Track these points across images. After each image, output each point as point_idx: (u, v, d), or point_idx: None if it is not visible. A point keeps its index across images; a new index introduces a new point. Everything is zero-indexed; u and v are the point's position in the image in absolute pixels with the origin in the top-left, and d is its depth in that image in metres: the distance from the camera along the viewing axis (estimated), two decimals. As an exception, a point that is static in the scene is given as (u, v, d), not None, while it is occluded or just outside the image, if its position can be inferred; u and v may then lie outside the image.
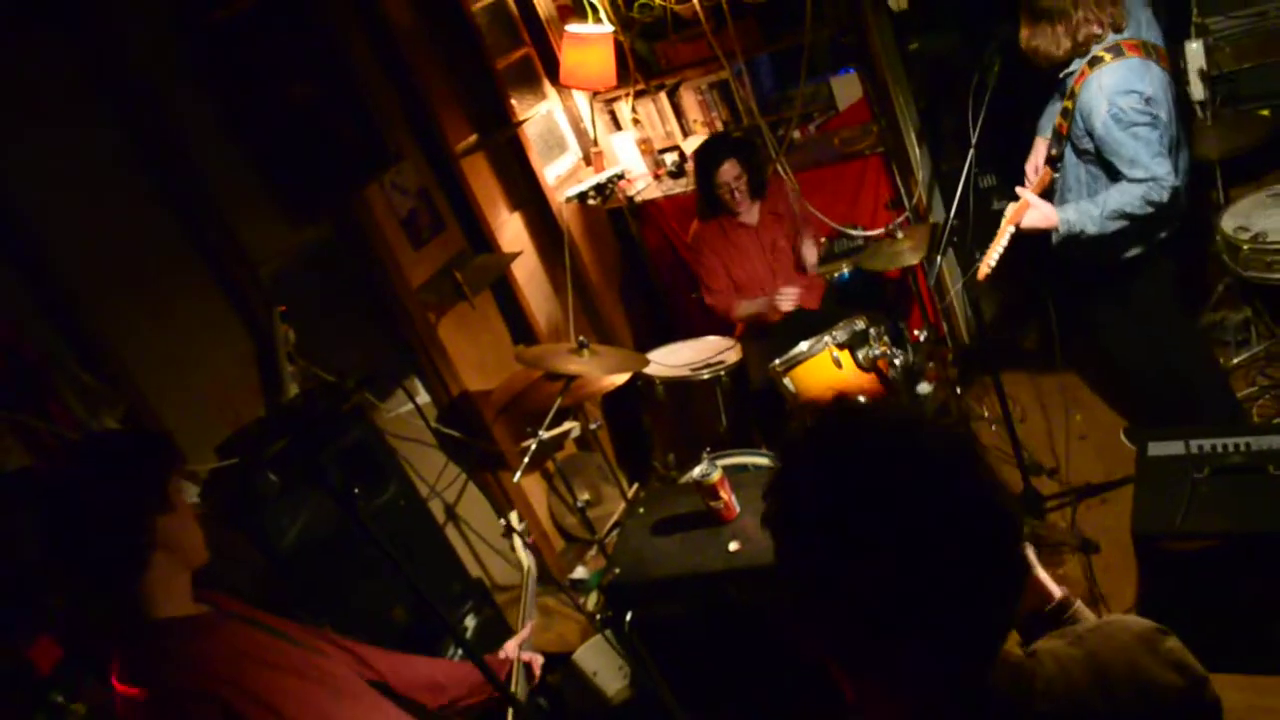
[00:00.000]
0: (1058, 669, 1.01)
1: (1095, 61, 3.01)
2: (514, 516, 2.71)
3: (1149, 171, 2.98)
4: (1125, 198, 3.05)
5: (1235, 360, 3.88)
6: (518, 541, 2.66)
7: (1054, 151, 3.30)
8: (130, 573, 1.67)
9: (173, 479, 1.78)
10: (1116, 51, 2.99)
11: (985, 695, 0.97)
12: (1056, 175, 3.32)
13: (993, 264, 3.21)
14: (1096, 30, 3.00)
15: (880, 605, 0.90)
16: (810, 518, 0.94)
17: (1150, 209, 3.03)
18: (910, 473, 0.91)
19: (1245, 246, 3.45)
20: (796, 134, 4.72)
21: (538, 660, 2.40)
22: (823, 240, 4.54)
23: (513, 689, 2.23)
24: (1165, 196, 3.00)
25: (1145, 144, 2.97)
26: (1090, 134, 3.07)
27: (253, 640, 1.78)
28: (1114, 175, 3.09)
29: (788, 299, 4.13)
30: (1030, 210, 3.19)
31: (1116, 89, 2.96)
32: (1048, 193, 3.32)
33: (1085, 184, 3.23)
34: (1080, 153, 3.19)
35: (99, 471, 1.70)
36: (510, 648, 2.36)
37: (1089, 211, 3.12)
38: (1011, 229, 3.20)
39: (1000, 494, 0.94)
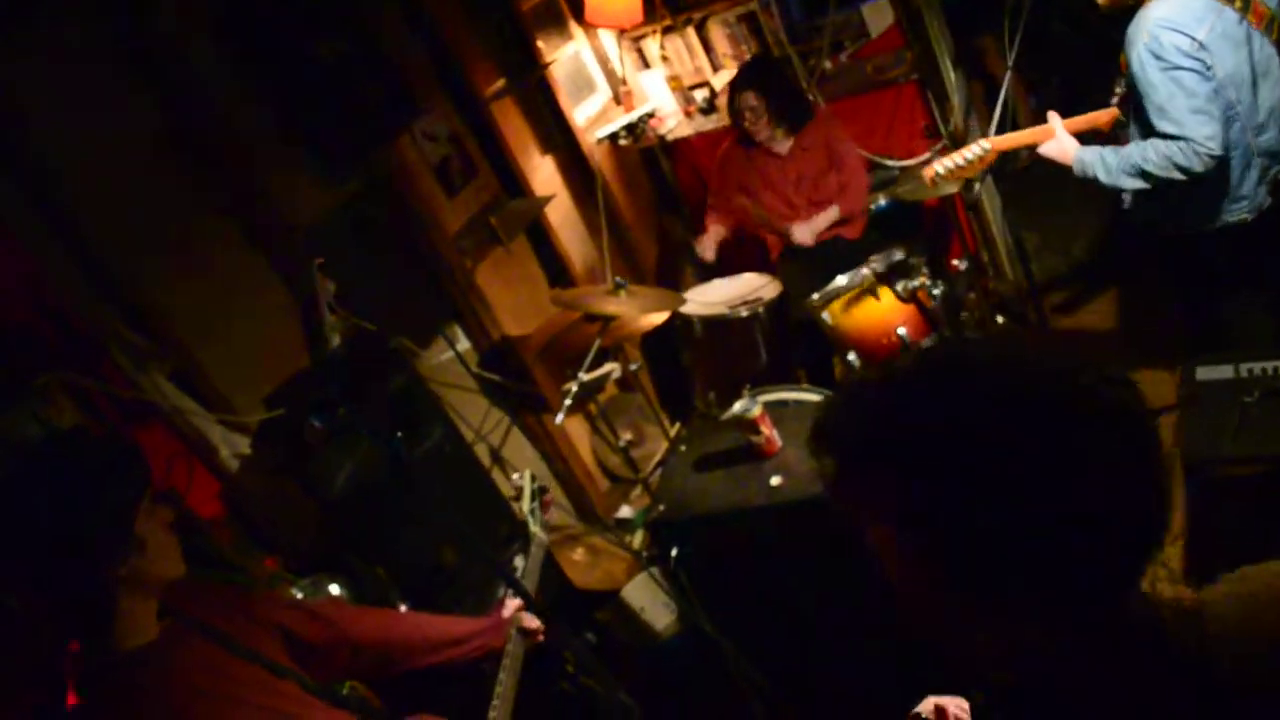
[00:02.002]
0: (1228, 606, 0.96)
1: None
2: (526, 475, 2.61)
3: (1180, 127, 2.62)
4: (1147, 153, 2.71)
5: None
6: (527, 505, 2.56)
7: (1119, 90, 2.94)
8: (91, 615, 1.61)
9: (141, 510, 1.65)
10: None
11: (1145, 639, 0.93)
12: (1124, 122, 2.96)
13: (947, 169, 3.04)
14: None
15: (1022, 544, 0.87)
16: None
17: (1176, 174, 2.67)
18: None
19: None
20: (828, 63, 4.62)
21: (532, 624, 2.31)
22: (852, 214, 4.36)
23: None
24: (1198, 165, 2.63)
25: (1185, 94, 2.60)
26: (1129, 67, 2.73)
27: (204, 667, 1.69)
28: (1150, 128, 2.73)
29: (803, 230, 4.09)
30: (1050, 141, 2.97)
31: (1162, 22, 2.60)
32: (1104, 136, 3.04)
33: (1139, 135, 2.86)
34: (1136, 95, 2.81)
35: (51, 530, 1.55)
36: (511, 605, 2.29)
37: (1106, 158, 2.83)
38: (980, 148, 3.00)
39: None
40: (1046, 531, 0.86)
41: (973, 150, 3.03)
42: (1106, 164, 2.84)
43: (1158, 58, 2.62)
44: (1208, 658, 0.91)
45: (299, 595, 2.72)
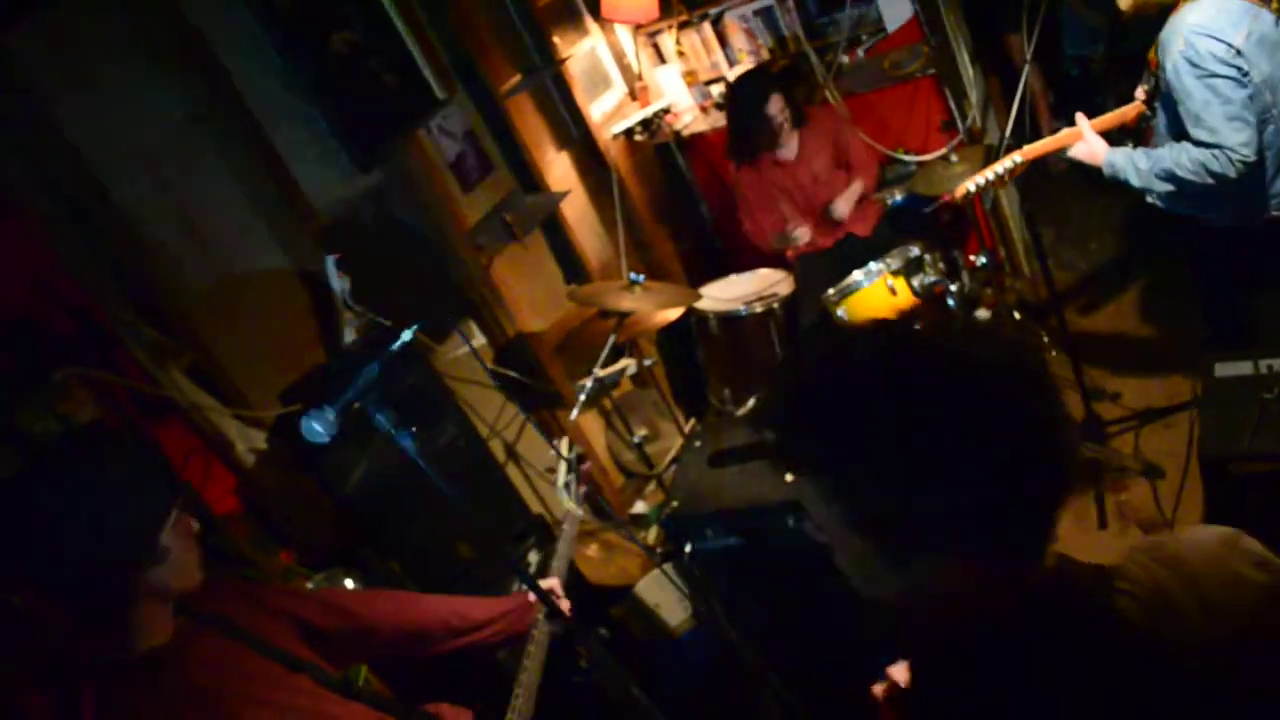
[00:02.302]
0: (1143, 573, 1.02)
1: None
2: (563, 443, 2.54)
3: (1215, 135, 2.58)
4: (1180, 157, 2.68)
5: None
6: (563, 478, 2.49)
7: (1146, 87, 2.91)
8: (108, 619, 1.61)
9: (168, 521, 1.64)
10: None
11: (1065, 593, 1.00)
12: (1149, 115, 2.94)
13: (979, 185, 3.01)
14: None
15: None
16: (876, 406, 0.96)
17: (1209, 180, 2.64)
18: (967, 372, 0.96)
19: None
20: (845, 58, 4.61)
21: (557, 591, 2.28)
22: (874, 195, 4.37)
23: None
24: (1232, 172, 2.60)
25: (1221, 101, 2.55)
26: (1163, 72, 2.68)
27: (219, 666, 1.69)
28: (1181, 130, 2.69)
29: (841, 206, 4.07)
30: (1080, 143, 2.94)
31: (1198, 28, 2.55)
32: (1129, 130, 3.02)
33: (1167, 131, 2.83)
34: (1166, 95, 2.78)
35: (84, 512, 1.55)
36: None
37: (1138, 162, 2.81)
38: (1012, 161, 2.98)
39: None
40: (943, 489, 0.93)
41: (1004, 165, 3.00)
42: (1138, 168, 2.81)
43: (1194, 65, 2.57)
44: (1113, 616, 0.99)
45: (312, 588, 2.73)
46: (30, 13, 2.66)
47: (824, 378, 1.01)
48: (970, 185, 3.04)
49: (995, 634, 1.01)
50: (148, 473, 1.67)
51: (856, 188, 4.12)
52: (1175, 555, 1.04)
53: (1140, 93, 2.96)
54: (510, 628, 2.16)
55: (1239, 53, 2.54)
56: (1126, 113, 2.98)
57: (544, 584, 2.23)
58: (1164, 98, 2.77)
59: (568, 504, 2.47)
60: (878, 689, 1.33)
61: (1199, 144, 2.63)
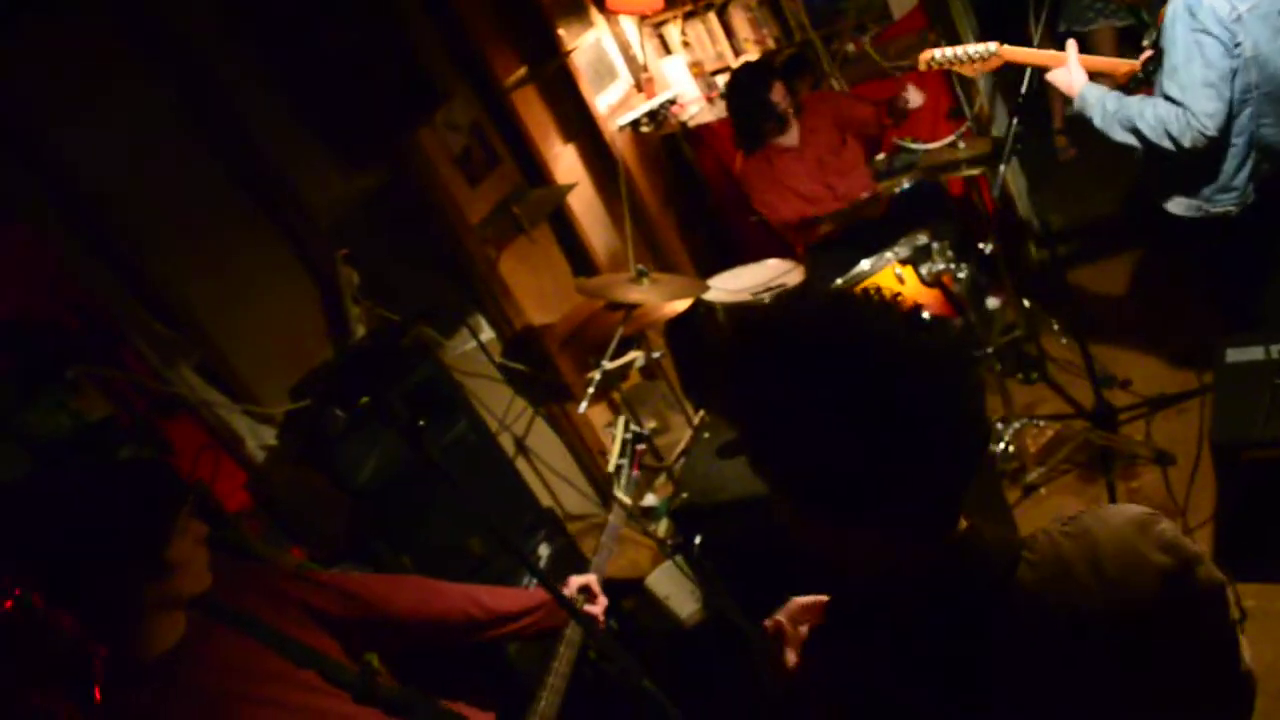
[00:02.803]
0: (1048, 543, 1.05)
1: None
2: (619, 422, 2.42)
3: (1184, 93, 2.54)
4: (1145, 110, 2.63)
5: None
6: (615, 460, 2.35)
7: (1146, 43, 2.83)
8: (117, 626, 1.62)
9: (175, 532, 1.63)
10: None
11: (967, 560, 1.04)
12: (1141, 78, 2.89)
13: (946, 57, 2.96)
14: None
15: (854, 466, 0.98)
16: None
17: (1166, 142, 2.60)
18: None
19: None
20: (850, 46, 4.59)
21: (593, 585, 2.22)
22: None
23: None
24: (1187, 139, 2.56)
25: (1202, 62, 2.51)
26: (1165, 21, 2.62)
27: (229, 666, 1.68)
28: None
29: (915, 95, 4.01)
30: (1060, 69, 2.86)
31: None
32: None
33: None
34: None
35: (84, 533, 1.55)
36: (573, 584, 2.21)
37: (1107, 103, 2.74)
38: (988, 50, 2.91)
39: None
40: (849, 463, 0.97)
41: (977, 48, 2.93)
42: (1105, 109, 2.76)
43: (1192, 15, 2.52)
44: (1010, 583, 1.02)
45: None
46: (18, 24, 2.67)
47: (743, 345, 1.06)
48: (936, 53, 2.99)
49: (894, 592, 1.05)
50: (152, 486, 1.65)
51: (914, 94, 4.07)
52: (1085, 529, 1.06)
53: (1142, 59, 2.89)
54: (539, 624, 2.12)
55: (1239, 18, 2.50)
56: (1119, 65, 2.93)
57: (582, 580, 2.19)
58: (1160, 55, 2.70)
59: (618, 490, 2.36)
60: (773, 619, 1.34)
61: (1167, 98, 2.59)
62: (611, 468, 2.42)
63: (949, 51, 2.99)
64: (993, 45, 2.93)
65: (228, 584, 1.77)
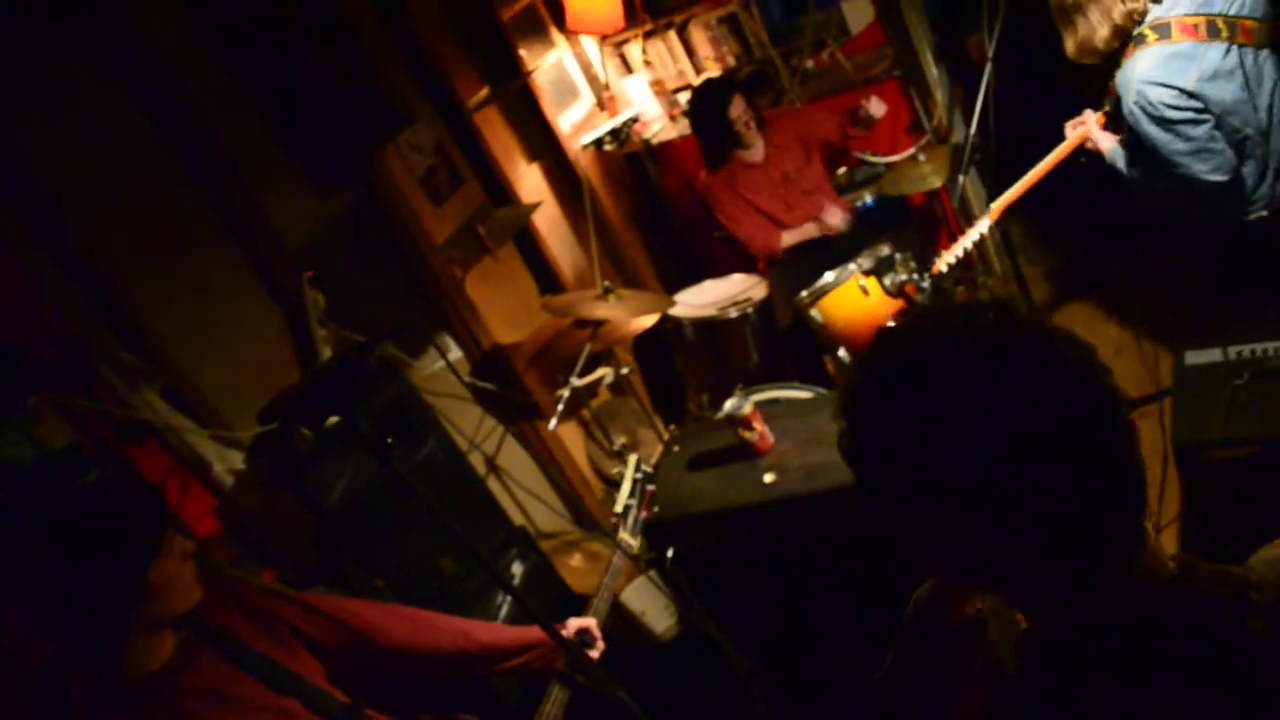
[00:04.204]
0: (1270, 573, 0.93)
1: (1139, 40, 2.67)
2: (631, 461, 2.36)
3: (1180, 167, 2.66)
4: (1157, 176, 2.76)
5: None
6: (624, 500, 2.29)
7: (1107, 109, 3.02)
8: (101, 652, 1.60)
9: (156, 555, 1.60)
10: (1163, 32, 2.62)
11: (1180, 598, 0.92)
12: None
13: (958, 256, 3.14)
14: (1134, 5, 2.66)
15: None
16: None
17: (1186, 198, 2.75)
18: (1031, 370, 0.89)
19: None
20: (810, 63, 4.65)
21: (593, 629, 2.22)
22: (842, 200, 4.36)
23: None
24: (1202, 189, 2.67)
25: (1182, 140, 2.62)
26: (1125, 112, 2.77)
27: (213, 693, 1.66)
28: (1148, 161, 2.79)
29: (835, 215, 4.09)
30: (1091, 134, 3.01)
31: (1146, 77, 2.63)
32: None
33: (1130, 153, 2.92)
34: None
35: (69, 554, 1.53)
36: (572, 626, 2.20)
37: (1124, 155, 2.90)
38: (980, 229, 3.11)
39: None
40: (1017, 484, 0.87)
41: (973, 235, 3.14)
42: (1125, 159, 2.88)
43: (1148, 114, 2.64)
44: (1244, 620, 0.89)
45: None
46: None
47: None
48: (943, 265, 3.20)
49: (1087, 637, 0.93)
50: (131, 508, 1.62)
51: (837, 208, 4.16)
52: None
53: (1100, 117, 3.04)
54: (532, 665, 2.09)
55: (1191, 95, 2.58)
56: (1074, 141, 3.08)
57: (581, 623, 2.17)
58: (1126, 125, 2.82)
59: (623, 533, 2.30)
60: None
61: (1171, 176, 2.70)
62: (620, 508, 2.38)
63: (951, 256, 3.20)
64: (984, 223, 3.18)
65: (215, 602, 1.75)
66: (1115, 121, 2.96)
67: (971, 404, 0.87)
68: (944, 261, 3.22)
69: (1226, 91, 2.60)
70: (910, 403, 0.90)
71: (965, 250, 3.23)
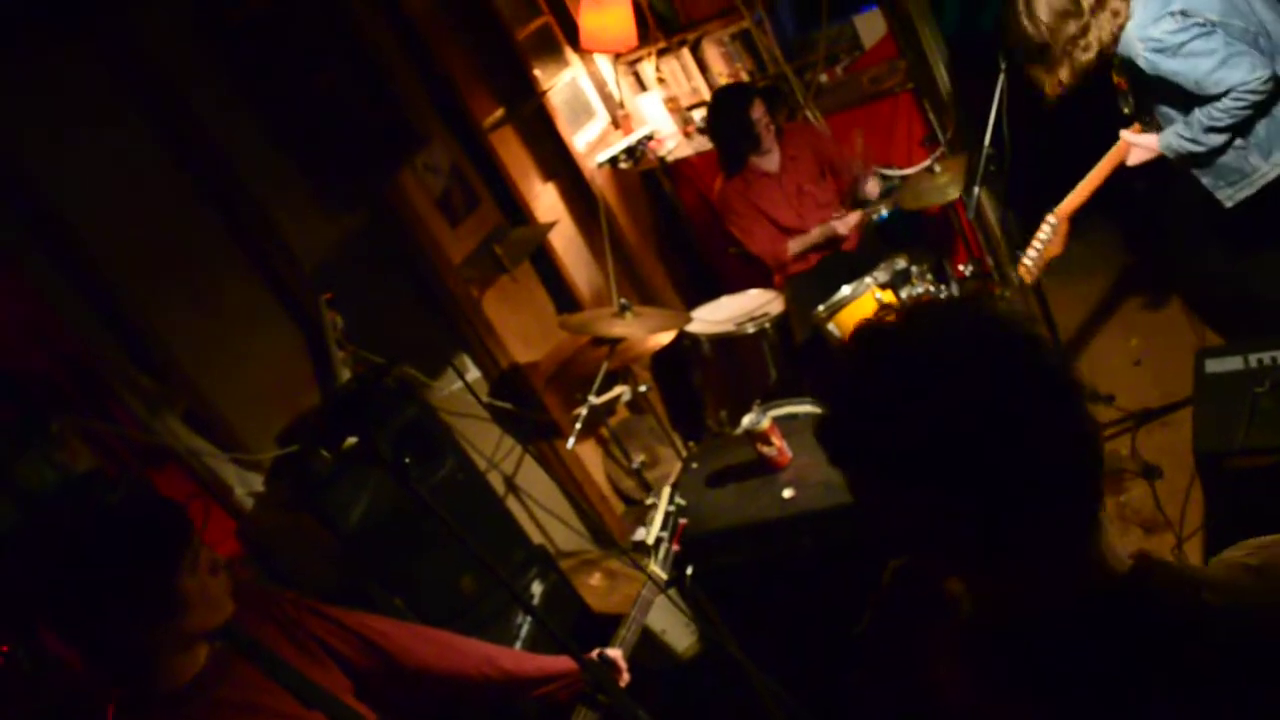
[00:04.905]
0: (1227, 576, 0.94)
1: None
2: (663, 494, 2.33)
3: (1221, 84, 2.66)
4: (1212, 113, 2.74)
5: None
6: (656, 532, 2.26)
7: (1126, 110, 3.06)
8: (130, 669, 1.60)
9: (183, 569, 1.61)
10: None
11: (1131, 593, 0.93)
12: (1146, 130, 3.07)
13: (1033, 259, 3.14)
14: (1120, 17, 2.74)
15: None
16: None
17: (1248, 112, 2.71)
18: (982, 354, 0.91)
19: None
20: (824, 77, 4.65)
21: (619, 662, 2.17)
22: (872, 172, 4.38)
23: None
24: (1259, 96, 2.66)
25: (1205, 56, 2.64)
26: (1144, 76, 2.81)
27: (245, 706, 1.67)
28: (1191, 101, 2.79)
29: (844, 223, 4.10)
30: (1133, 149, 3.03)
31: (1141, 25, 2.70)
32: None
33: (1179, 115, 2.90)
34: (1152, 92, 2.92)
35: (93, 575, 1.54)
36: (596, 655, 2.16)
37: (1181, 133, 2.86)
38: (1050, 223, 3.10)
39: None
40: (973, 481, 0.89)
41: (1045, 230, 3.12)
42: (1184, 136, 2.85)
43: (1162, 51, 2.68)
44: (1200, 625, 0.90)
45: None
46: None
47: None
48: (1028, 262, 3.17)
49: (1040, 629, 0.95)
50: (154, 526, 1.63)
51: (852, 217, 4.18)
52: (1274, 562, 0.93)
53: (1136, 127, 3.08)
54: (558, 697, 2.07)
55: (1184, 14, 2.62)
56: (1110, 163, 3.11)
57: (609, 654, 2.14)
58: (1156, 94, 2.87)
59: (654, 565, 2.28)
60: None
61: (1213, 97, 2.70)
62: (651, 540, 2.36)
63: (1032, 253, 3.18)
64: (1051, 219, 3.13)
65: (246, 611, 1.75)
66: (1142, 116, 3.00)
67: (925, 389, 0.89)
68: (1027, 261, 3.22)
69: (1210, 4, 2.63)
70: (872, 387, 0.94)
71: (1037, 249, 3.21)
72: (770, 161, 4.22)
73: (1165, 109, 2.92)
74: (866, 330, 0.98)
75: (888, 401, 0.91)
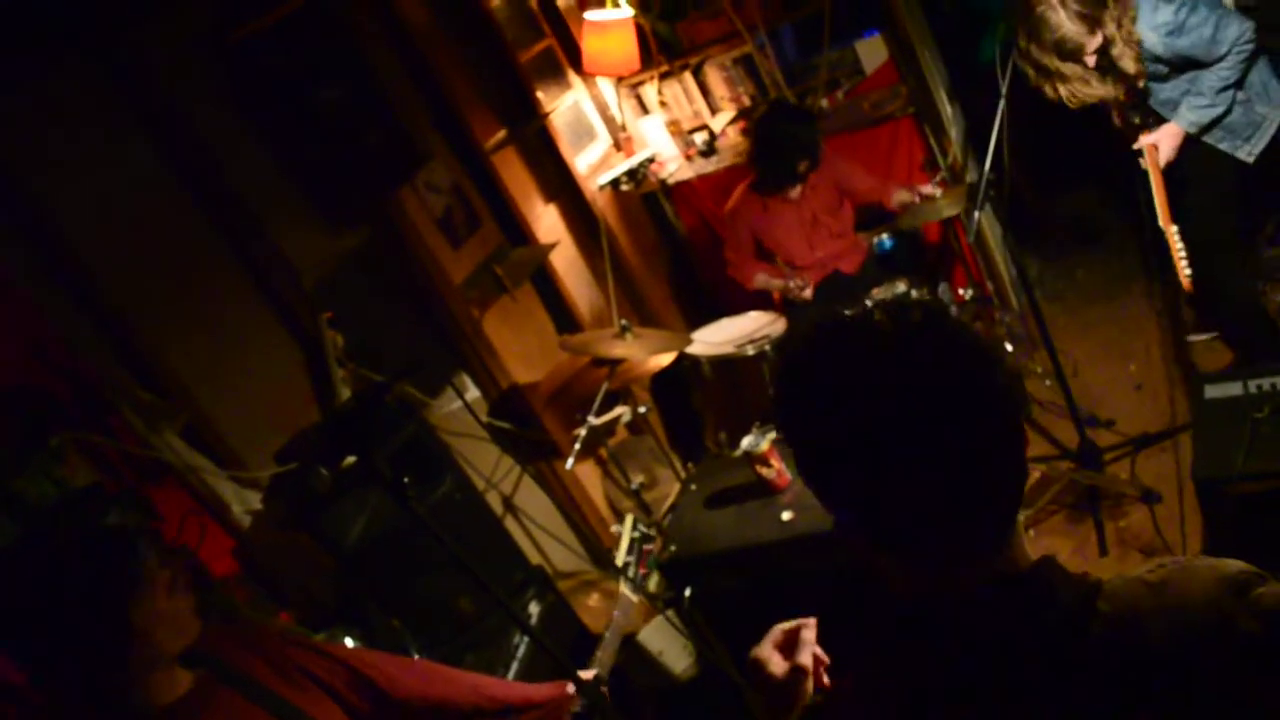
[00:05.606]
0: (1125, 592, 0.97)
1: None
2: (627, 521, 2.39)
3: (1224, 44, 3.01)
4: (1221, 73, 3.07)
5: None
6: (623, 556, 2.32)
7: (1135, 120, 3.32)
8: (102, 690, 1.60)
9: (139, 599, 1.59)
10: None
11: (1024, 591, 0.97)
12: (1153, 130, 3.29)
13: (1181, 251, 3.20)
14: (1128, 25, 3.04)
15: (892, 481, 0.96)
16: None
17: (1246, 64, 3.07)
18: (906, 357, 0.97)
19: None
20: (825, 102, 4.68)
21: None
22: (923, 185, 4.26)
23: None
24: (1252, 45, 3.03)
25: (1204, 26, 3.00)
26: (1165, 61, 3.11)
27: None
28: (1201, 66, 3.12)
29: (807, 289, 4.14)
30: (1161, 145, 3.21)
31: (1145, 19, 3.03)
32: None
33: (1190, 89, 3.19)
34: (1164, 79, 3.19)
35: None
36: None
37: (1197, 105, 3.14)
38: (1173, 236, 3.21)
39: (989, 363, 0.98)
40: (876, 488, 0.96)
41: (1177, 245, 3.18)
42: (1201, 105, 3.13)
43: (1173, 34, 3.02)
44: (1083, 627, 0.94)
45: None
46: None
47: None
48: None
49: (934, 625, 1.00)
50: (103, 556, 1.61)
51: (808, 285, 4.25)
52: (1167, 581, 0.96)
53: (1138, 120, 3.32)
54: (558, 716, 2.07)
55: None
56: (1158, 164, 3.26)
57: (585, 675, 2.13)
58: (1165, 81, 3.18)
59: (624, 588, 2.32)
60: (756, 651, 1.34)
61: (1221, 58, 3.04)
62: (620, 563, 2.39)
63: (1183, 265, 3.22)
64: (1171, 229, 3.24)
65: (234, 645, 1.76)
66: (1146, 123, 3.27)
67: (855, 384, 0.96)
68: (1187, 273, 3.24)
69: None
70: (812, 378, 1.01)
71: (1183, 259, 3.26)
72: (793, 189, 4.23)
73: (1178, 91, 3.19)
74: (828, 321, 1.05)
75: (816, 395, 0.99)
